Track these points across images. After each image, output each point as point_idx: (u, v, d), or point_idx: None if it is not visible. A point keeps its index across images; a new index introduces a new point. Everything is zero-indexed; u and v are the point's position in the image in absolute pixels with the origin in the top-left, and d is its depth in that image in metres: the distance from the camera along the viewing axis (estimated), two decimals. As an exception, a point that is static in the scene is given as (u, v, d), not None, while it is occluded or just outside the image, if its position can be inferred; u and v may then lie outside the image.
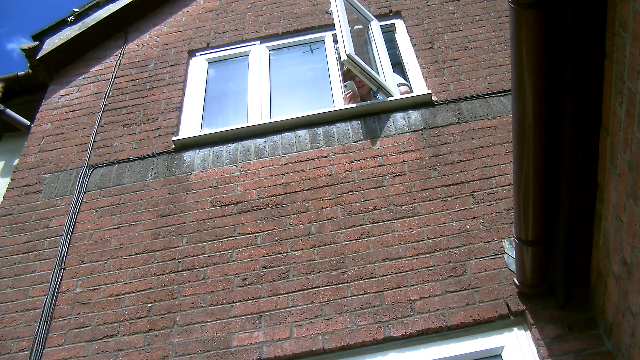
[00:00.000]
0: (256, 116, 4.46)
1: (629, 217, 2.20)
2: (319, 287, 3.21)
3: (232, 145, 4.16)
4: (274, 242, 3.48)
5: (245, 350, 3.01)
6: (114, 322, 3.27)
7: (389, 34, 5.04)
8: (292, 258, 3.38)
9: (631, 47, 1.93)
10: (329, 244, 3.41)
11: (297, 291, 3.22)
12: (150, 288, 3.40)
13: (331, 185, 3.74)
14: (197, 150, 4.18)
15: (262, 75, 4.84)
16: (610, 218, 2.37)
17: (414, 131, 3.99)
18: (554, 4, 2.05)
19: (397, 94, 4.28)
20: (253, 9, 5.49)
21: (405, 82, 4.56)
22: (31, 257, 3.73)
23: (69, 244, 3.74)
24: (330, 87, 4.66)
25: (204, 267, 3.44)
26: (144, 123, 4.53)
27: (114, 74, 5.05)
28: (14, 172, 4.43)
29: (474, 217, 3.39)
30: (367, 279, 3.21)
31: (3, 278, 3.64)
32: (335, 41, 4.83)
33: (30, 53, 5.15)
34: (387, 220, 3.47)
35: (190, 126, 4.49)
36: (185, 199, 3.86)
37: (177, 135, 4.39)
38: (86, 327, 3.28)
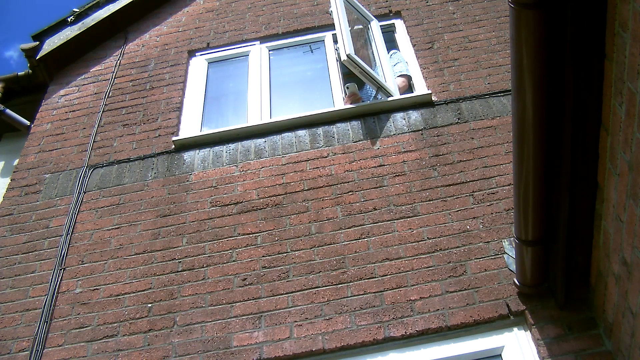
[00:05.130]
0: (256, 116, 4.46)
1: (629, 217, 2.20)
2: (319, 287, 3.21)
3: (232, 145, 4.16)
4: (274, 242, 3.48)
5: (245, 350, 3.01)
6: (114, 322, 3.27)
7: (389, 34, 5.04)
8: (292, 258, 3.38)
9: (631, 47, 1.93)
10: (329, 244, 3.41)
11: (297, 291, 3.22)
12: (150, 288, 3.40)
13: (331, 185, 3.74)
14: (197, 150, 4.18)
15: (262, 75, 4.84)
16: (610, 218, 2.37)
17: (414, 131, 3.99)
18: (554, 4, 2.04)
19: (397, 94, 4.28)
20: (253, 9, 5.49)
21: (407, 73, 4.55)
22: (31, 257, 3.73)
23: (69, 244, 3.74)
24: (330, 87, 4.66)
25: (204, 267, 3.44)
26: (144, 123, 4.53)
27: (114, 74, 5.05)
28: (14, 172, 4.43)
29: (474, 217, 3.39)
30: (367, 279, 3.21)
31: (3, 278, 3.64)
32: (335, 41, 4.83)
33: (30, 53, 5.15)
34: (387, 221, 3.47)
35: (190, 126, 4.49)
36: (185, 199, 3.86)
37: (177, 135, 4.39)
38: (86, 327, 3.28)
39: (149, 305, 3.31)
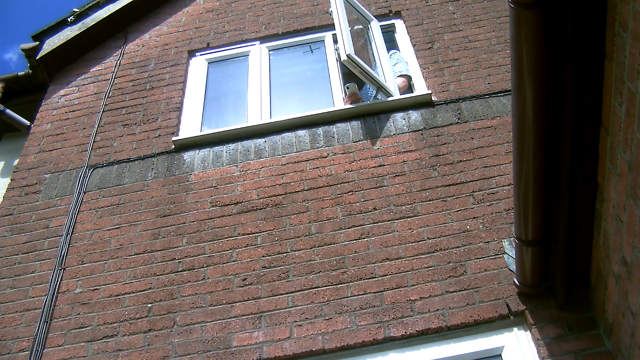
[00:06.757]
0: (256, 116, 4.46)
1: (629, 217, 2.20)
2: (319, 287, 3.21)
3: (232, 145, 4.16)
4: (274, 242, 3.48)
5: (245, 351, 3.01)
6: (114, 322, 3.27)
7: (389, 34, 5.04)
8: (292, 258, 3.38)
9: (631, 47, 1.93)
10: (329, 244, 3.41)
11: (297, 291, 3.22)
12: (150, 288, 3.40)
13: (331, 185, 3.74)
14: (197, 150, 4.18)
15: (262, 75, 4.84)
16: (610, 218, 2.37)
17: (414, 131, 3.99)
18: (554, 4, 2.04)
19: (397, 94, 4.28)
20: (253, 9, 5.49)
21: (406, 73, 4.55)
22: (31, 257, 3.73)
23: (69, 244, 3.74)
24: (330, 87, 4.66)
25: (204, 267, 3.44)
26: (144, 123, 4.53)
27: (114, 74, 5.05)
28: (14, 172, 4.43)
29: (474, 217, 3.39)
30: (367, 279, 3.21)
31: (3, 278, 3.63)
32: (335, 41, 4.83)
33: (30, 53, 5.15)
34: (387, 221, 3.47)
35: (190, 126, 4.49)
36: (185, 199, 3.86)
37: (177, 135, 4.39)
38: (86, 327, 3.28)
39: (149, 305, 3.31)
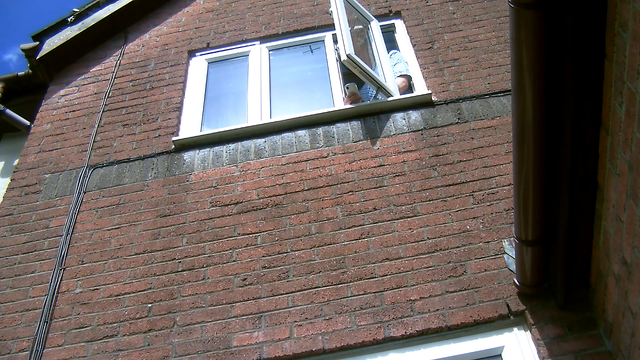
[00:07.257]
0: (256, 116, 4.46)
1: (628, 217, 2.20)
2: (319, 287, 3.21)
3: (232, 146, 4.16)
4: (274, 242, 3.48)
5: (245, 351, 3.01)
6: (114, 322, 3.27)
7: (389, 34, 5.04)
8: (292, 258, 3.38)
9: (631, 47, 1.93)
10: (329, 244, 3.41)
11: (297, 291, 3.22)
12: (150, 288, 3.40)
13: (331, 185, 3.74)
14: (197, 151, 4.18)
15: (262, 75, 4.84)
16: (610, 218, 2.37)
17: (414, 131, 3.99)
18: (554, 4, 2.05)
19: (397, 94, 4.28)
20: (253, 9, 5.49)
21: (406, 73, 4.55)
22: (31, 257, 3.73)
23: (69, 244, 3.74)
24: (330, 87, 4.66)
25: (204, 267, 3.44)
26: (144, 123, 4.53)
27: (114, 74, 5.05)
28: (14, 172, 4.43)
29: (474, 217, 3.39)
30: (367, 279, 3.21)
31: (3, 278, 3.64)
32: (335, 41, 4.83)
33: (30, 53, 5.15)
34: (387, 221, 3.47)
35: (190, 126, 4.50)
36: (185, 199, 3.86)
37: (177, 135, 4.39)
38: (86, 327, 3.28)
39: (149, 305, 3.31)
